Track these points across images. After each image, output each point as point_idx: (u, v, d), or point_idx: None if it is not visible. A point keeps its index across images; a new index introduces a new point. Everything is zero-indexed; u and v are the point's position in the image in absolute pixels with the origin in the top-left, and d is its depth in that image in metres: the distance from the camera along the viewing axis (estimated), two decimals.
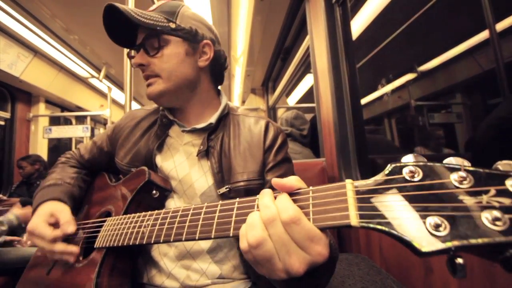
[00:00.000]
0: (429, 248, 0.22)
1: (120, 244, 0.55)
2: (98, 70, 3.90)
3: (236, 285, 0.64)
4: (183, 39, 0.66)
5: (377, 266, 0.79)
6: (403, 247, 0.69)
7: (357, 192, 0.29)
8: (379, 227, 0.25)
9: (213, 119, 0.69)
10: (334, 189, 0.31)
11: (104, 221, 0.65)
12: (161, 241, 0.46)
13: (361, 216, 0.27)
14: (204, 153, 0.67)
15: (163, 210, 0.51)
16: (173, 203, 0.67)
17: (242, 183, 0.64)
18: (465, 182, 0.23)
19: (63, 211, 0.66)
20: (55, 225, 0.65)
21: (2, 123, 3.73)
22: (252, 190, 0.64)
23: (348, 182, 0.30)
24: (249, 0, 2.05)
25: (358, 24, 2.70)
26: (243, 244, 0.32)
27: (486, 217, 0.21)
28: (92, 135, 3.91)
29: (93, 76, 3.79)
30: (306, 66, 2.51)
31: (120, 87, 4.77)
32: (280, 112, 4.01)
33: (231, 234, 0.36)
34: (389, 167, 0.28)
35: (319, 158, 1.48)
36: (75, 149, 0.88)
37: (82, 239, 0.68)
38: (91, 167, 0.85)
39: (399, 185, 0.26)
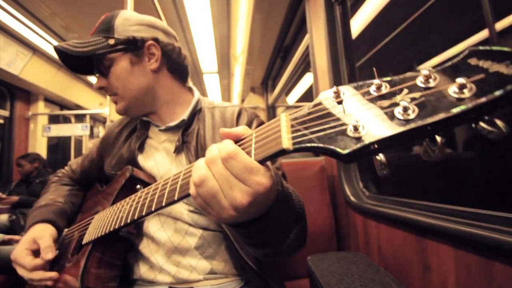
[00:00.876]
0: (348, 150, 0.24)
1: (103, 233, 0.57)
2: None
3: (229, 283, 0.66)
4: (124, 51, 0.65)
5: (375, 264, 0.79)
6: (401, 245, 0.69)
7: (292, 120, 0.31)
8: (309, 145, 0.28)
9: (185, 115, 0.70)
10: (272, 124, 0.33)
11: (92, 219, 0.67)
12: (136, 217, 0.48)
13: (293, 138, 0.29)
14: (181, 148, 0.69)
15: (138, 192, 0.53)
16: None
17: None
18: (381, 88, 0.25)
19: (44, 237, 0.66)
20: (38, 252, 0.65)
21: (1, 121, 3.73)
22: None
23: (283, 114, 0.32)
24: None
25: (358, 23, 2.70)
26: (191, 189, 0.34)
27: (398, 111, 0.23)
28: (91, 133, 3.91)
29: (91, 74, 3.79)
30: (305, 65, 2.51)
31: None
32: (280, 111, 4.00)
33: (191, 192, 0.37)
34: (317, 98, 0.30)
35: (318, 157, 1.48)
36: (66, 167, 0.91)
37: (75, 243, 0.69)
38: (84, 180, 0.88)
39: (325, 105, 0.29)
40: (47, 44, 3.23)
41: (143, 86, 0.67)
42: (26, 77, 3.46)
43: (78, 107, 4.81)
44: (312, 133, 0.28)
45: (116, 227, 0.53)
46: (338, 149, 0.25)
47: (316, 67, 1.55)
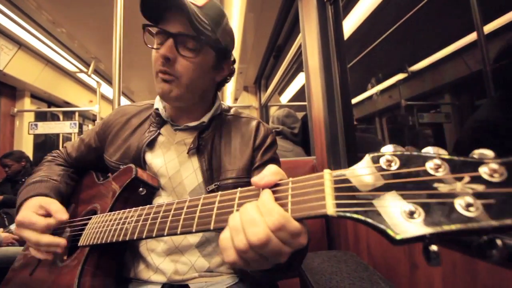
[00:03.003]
0: (403, 235, 0.23)
1: (103, 242, 0.54)
2: (87, 64, 3.80)
3: (223, 280, 0.65)
4: (216, 53, 0.65)
5: (365, 263, 0.80)
6: (389, 244, 0.70)
7: (335, 182, 0.29)
8: (355, 216, 0.26)
9: (205, 118, 0.69)
10: (312, 179, 0.31)
11: (89, 219, 0.64)
12: (144, 236, 0.46)
13: (338, 205, 0.27)
14: (195, 151, 0.67)
15: (147, 206, 0.50)
16: (161, 201, 0.66)
17: (230, 181, 0.65)
18: (440, 169, 0.23)
19: (52, 203, 0.64)
20: (46, 216, 0.63)
21: None
22: (240, 187, 0.65)
23: (327, 172, 0.30)
24: None
25: (350, 23, 2.73)
26: (230, 253, 0.33)
27: (459, 203, 0.21)
28: (80, 131, 3.83)
29: (81, 71, 3.70)
30: (298, 65, 2.52)
31: (110, 82, 4.67)
32: (273, 110, 4.01)
33: (211, 227, 0.37)
34: (367, 157, 0.28)
35: (310, 156, 1.49)
36: (61, 148, 0.86)
37: (67, 238, 0.67)
38: (79, 165, 0.83)
39: (375, 173, 0.26)
40: (34, 38, 3.13)
41: (203, 89, 0.68)
42: (11, 72, 3.35)
43: (67, 104, 4.69)
44: (359, 205, 0.26)
45: (120, 239, 0.50)
46: (390, 232, 0.23)
47: (308, 67, 1.55)
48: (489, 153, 0.22)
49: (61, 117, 4.84)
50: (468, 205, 0.21)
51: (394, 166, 0.26)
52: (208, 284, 0.64)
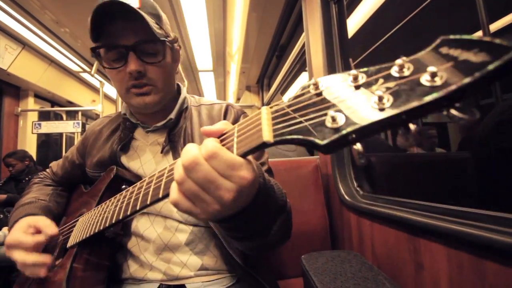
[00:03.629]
0: (327, 140, 0.25)
1: (88, 236, 0.55)
2: (90, 64, 3.82)
3: (220, 280, 0.65)
4: (170, 48, 0.66)
5: (369, 263, 0.79)
6: (394, 244, 0.69)
7: (273, 112, 0.31)
8: (289, 137, 0.28)
9: (172, 114, 0.70)
10: (253, 117, 0.33)
11: (76, 221, 0.65)
12: (121, 217, 0.47)
13: (275, 131, 0.29)
14: (169, 148, 0.68)
15: (123, 191, 0.52)
16: None
17: None
18: (358, 79, 0.26)
19: (40, 219, 0.64)
20: (36, 234, 0.63)
21: None
22: None
23: (264, 107, 0.32)
24: None
25: (354, 22, 2.71)
26: (173, 192, 0.34)
27: (374, 100, 0.23)
28: (83, 130, 3.84)
29: (84, 71, 3.72)
30: (301, 64, 2.51)
31: None
32: None
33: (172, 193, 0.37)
34: (298, 90, 0.31)
35: (313, 156, 1.48)
36: (47, 169, 0.89)
37: (59, 245, 0.68)
38: (66, 182, 0.85)
39: (306, 96, 0.29)
40: (38, 38, 3.15)
41: (174, 85, 0.70)
42: (15, 72, 3.38)
43: (70, 103, 4.71)
44: (292, 125, 0.28)
45: (101, 228, 0.52)
46: (317, 140, 0.26)
47: (312, 66, 1.55)
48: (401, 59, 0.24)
49: (64, 116, 4.87)
50: (380, 99, 0.23)
51: (322, 87, 0.28)
52: (206, 285, 0.63)
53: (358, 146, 0.25)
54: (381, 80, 0.24)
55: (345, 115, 0.25)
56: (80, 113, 4.84)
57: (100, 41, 0.60)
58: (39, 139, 4.41)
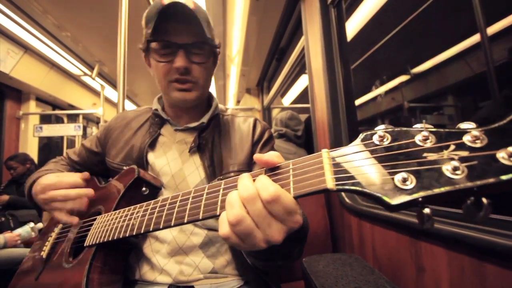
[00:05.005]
0: (397, 201, 0.24)
1: (110, 239, 0.55)
2: (91, 68, 3.84)
3: (228, 282, 0.66)
4: (213, 52, 0.71)
5: (370, 266, 0.79)
6: (395, 247, 0.69)
7: (333, 159, 0.31)
8: (353, 187, 0.27)
9: (204, 119, 0.73)
10: (312, 159, 0.33)
11: (94, 220, 0.65)
12: (151, 229, 0.47)
13: (337, 179, 0.29)
14: (196, 149, 0.70)
15: (152, 201, 0.51)
16: None
17: (232, 174, 0.68)
18: (428, 141, 0.26)
19: (67, 173, 0.67)
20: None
21: None
22: None
23: (325, 151, 0.32)
24: (245, 0, 2.04)
25: (353, 25, 2.73)
26: (224, 228, 0.33)
27: (447, 168, 0.23)
28: (84, 133, 3.85)
29: (85, 74, 3.73)
30: (301, 67, 2.52)
31: (114, 85, 4.71)
32: (275, 112, 4.01)
33: (218, 213, 0.37)
34: (361, 136, 0.30)
35: None
36: (64, 155, 0.90)
37: (72, 240, 0.67)
38: (81, 169, 0.86)
39: (370, 149, 0.29)
40: (39, 42, 3.17)
41: (209, 87, 0.75)
42: (17, 75, 3.39)
43: (71, 107, 4.73)
44: (356, 177, 0.28)
45: (127, 235, 0.51)
46: (386, 199, 0.25)
47: (312, 69, 1.56)
48: (471, 124, 0.24)
49: (65, 119, 4.88)
50: (455, 169, 0.23)
51: (386, 142, 0.28)
52: (213, 287, 0.64)
53: (427, 211, 0.24)
54: (452, 147, 0.24)
55: (416, 178, 0.24)
56: (81, 116, 4.85)
57: (155, 36, 0.65)
58: (41, 142, 4.42)
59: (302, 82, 4.28)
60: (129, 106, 5.95)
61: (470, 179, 0.22)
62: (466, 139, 0.24)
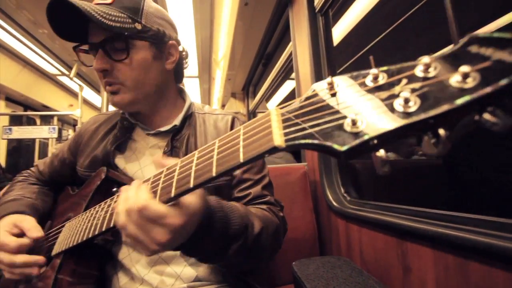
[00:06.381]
0: (347, 146, 0.22)
1: (75, 243, 0.52)
2: (69, 67, 3.67)
3: None
4: (150, 42, 0.61)
5: (359, 268, 0.81)
6: (382, 248, 0.71)
7: (283, 114, 0.29)
8: (303, 141, 0.25)
9: (177, 121, 0.68)
10: (261, 119, 0.31)
11: (62, 227, 0.61)
12: (112, 225, 0.45)
13: (286, 135, 0.27)
14: (170, 154, 0.66)
15: (115, 196, 0.50)
16: None
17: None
18: (378, 79, 0.24)
19: (25, 220, 0.61)
20: (20, 236, 0.59)
21: None
22: (220, 188, 0.65)
23: (273, 109, 0.30)
24: (233, 4, 2.06)
25: (337, 34, 2.82)
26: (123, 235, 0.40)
27: (399, 103, 0.21)
28: (60, 136, 3.65)
29: (63, 74, 3.56)
30: (286, 72, 2.56)
31: (92, 86, 4.53)
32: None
33: (214, 174, 0.34)
34: (310, 90, 0.29)
35: (301, 163, 1.51)
36: (32, 168, 0.84)
37: (43, 255, 0.63)
38: (53, 182, 0.81)
39: (320, 98, 0.27)
40: (12, 39, 2.98)
41: (156, 84, 0.65)
42: None
43: (45, 108, 4.48)
44: (305, 128, 0.26)
45: (90, 236, 0.48)
46: (335, 146, 0.23)
47: (299, 75, 1.58)
48: (425, 57, 0.22)
49: (38, 121, 4.61)
50: (406, 101, 0.21)
51: (335, 89, 0.26)
52: None
53: (381, 153, 0.22)
54: (404, 81, 0.22)
55: (366, 118, 0.22)
56: (56, 118, 4.60)
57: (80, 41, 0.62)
58: (10, 145, 4.13)
59: (286, 88, 4.35)
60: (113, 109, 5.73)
61: (424, 110, 0.20)
62: (419, 69, 0.22)
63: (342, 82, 0.26)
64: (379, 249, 0.85)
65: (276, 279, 1.13)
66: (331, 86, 0.26)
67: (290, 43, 1.76)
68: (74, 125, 4.91)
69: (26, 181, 0.78)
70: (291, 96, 4.50)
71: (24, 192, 0.72)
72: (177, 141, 0.67)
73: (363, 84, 0.25)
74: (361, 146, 0.22)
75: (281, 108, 0.30)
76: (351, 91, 0.25)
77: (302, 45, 1.53)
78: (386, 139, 0.22)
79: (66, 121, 5.66)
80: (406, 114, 0.21)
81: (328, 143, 0.24)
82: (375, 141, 0.22)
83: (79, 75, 3.88)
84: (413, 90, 0.21)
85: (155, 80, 0.64)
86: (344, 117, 0.24)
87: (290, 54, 1.89)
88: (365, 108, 0.23)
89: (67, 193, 0.75)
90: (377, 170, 0.23)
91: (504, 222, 0.52)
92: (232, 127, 0.71)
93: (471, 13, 2.39)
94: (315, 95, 0.28)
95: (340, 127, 0.24)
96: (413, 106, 0.21)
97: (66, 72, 3.58)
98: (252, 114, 3.95)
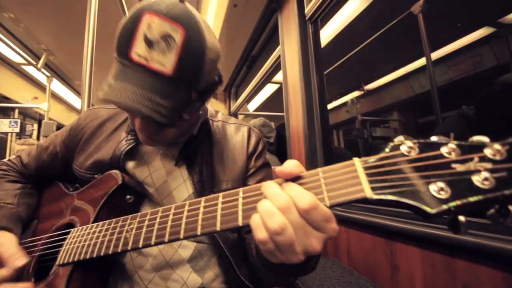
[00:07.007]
0: (436, 209, 0.26)
1: (95, 255, 0.47)
2: (36, 56, 3.37)
3: None
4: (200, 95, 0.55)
5: (348, 268, 0.84)
6: (370, 249, 0.75)
7: (366, 168, 0.31)
8: (390, 197, 0.28)
9: (194, 129, 0.65)
10: (343, 168, 0.33)
11: (67, 234, 0.56)
12: (153, 243, 0.42)
13: (374, 189, 0.30)
14: (183, 161, 0.64)
15: (149, 211, 0.46)
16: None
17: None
18: (453, 153, 0.28)
19: (5, 243, 0.54)
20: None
21: None
22: None
23: (356, 159, 0.32)
24: (221, 5, 2.04)
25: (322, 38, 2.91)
26: (262, 234, 0.32)
27: (476, 179, 0.26)
28: (22, 131, 3.33)
29: (29, 63, 3.26)
30: (269, 75, 2.59)
31: (62, 78, 4.20)
32: (240, 118, 4.03)
33: (240, 223, 0.35)
34: (389, 146, 0.32)
35: None
36: (12, 159, 0.74)
37: (34, 259, 0.57)
38: (40, 178, 0.73)
39: (400, 159, 0.30)
40: None
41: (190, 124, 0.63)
42: None
43: (5, 99, 4.07)
44: (393, 186, 0.29)
45: (119, 250, 0.44)
46: (426, 208, 0.27)
47: (287, 79, 1.62)
48: (485, 138, 0.28)
49: None
50: (484, 179, 0.26)
51: (414, 153, 0.30)
52: None
53: (462, 219, 0.27)
54: (476, 159, 0.27)
55: (450, 187, 0.26)
56: (17, 111, 4.20)
57: None
58: None
59: (267, 91, 4.40)
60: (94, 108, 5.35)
61: (498, 189, 0.25)
62: (488, 152, 0.27)
63: (419, 147, 0.30)
64: (367, 249, 0.89)
65: None
66: (410, 150, 0.30)
67: (279, 47, 1.79)
68: (40, 120, 4.51)
69: (4, 178, 0.70)
70: (271, 99, 4.56)
71: (4, 196, 0.64)
72: (191, 148, 0.64)
73: (440, 155, 0.29)
74: (447, 211, 0.26)
75: (361, 160, 0.32)
76: (431, 159, 0.29)
77: (290, 50, 1.56)
78: (467, 208, 0.26)
79: (28, 115, 5.19)
80: (484, 190, 0.25)
81: (417, 204, 0.27)
82: (459, 209, 0.26)
83: (47, 65, 3.58)
84: (486, 169, 0.26)
85: (191, 122, 0.63)
86: (429, 183, 0.27)
87: (278, 58, 1.92)
88: (448, 178, 0.27)
89: (61, 191, 0.68)
90: (455, 232, 0.27)
91: (487, 223, 0.58)
92: (248, 141, 0.69)
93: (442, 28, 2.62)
94: (396, 155, 0.31)
95: (426, 191, 0.27)
96: (489, 184, 0.25)
97: (33, 62, 3.28)
98: (233, 115, 3.93)
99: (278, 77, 3.11)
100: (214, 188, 0.63)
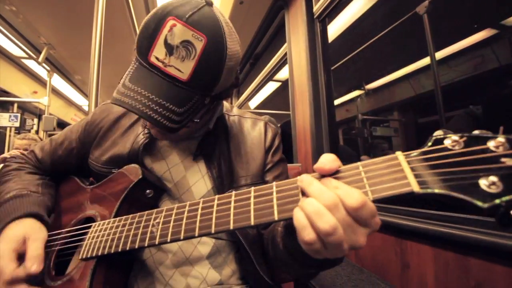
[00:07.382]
0: (488, 204, 0.25)
1: (120, 249, 0.47)
2: (36, 50, 3.34)
3: None
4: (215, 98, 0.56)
5: (358, 265, 0.85)
6: (380, 247, 0.75)
7: (410, 162, 0.30)
8: (438, 191, 0.28)
9: (211, 124, 0.65)
10: (385, 161, 0.32)
11: (88, 228, 0.56)
12: (182, 238, 0.42)
13: (420, 183, 0.29)
14: (201, 156, 0.64)
15: (176, 205, 0.46)
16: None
17: (246, 187, 0.63)
18: (501, 147, 0.27)
19: (36, 240, 0.53)
20: (23, 256, 0.52)
21: None
22: None
23: (399, 153, 0.31)
24: (227, 2, 2.03)
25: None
26: (309, 235, 0.31)
27: None
28: (22, 125, 3.31)
29: (30, 57, 3.22)
30: (272, 73, 2.59)
31: (62, 73, 4.17)
32: None
33: (276, 218, 0.35)
34: (431, 140, 0.31)
35: (295, 164, 1.54)
36: (26, 153, 0.74)
37: (55, 253, 0.57)
38: (55, 173, 0.73)
39: (445, 153, 0.29)
40: None
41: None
42: None
43: (5, 93, 4.03)
44: (440, 181, 0.28)
45: (146, 244, 0.44)
46: (477, 202, 0.26)
47: (294, 77, 1.62)
48: None
49: None
50: None
51: (458, 147, 0.29)
52: None
53: None
54: None
55: (502, 182, 0.26)
56: (16, 105, 4.17)
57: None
58: None
59: (268, 89, 4.40)
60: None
61: None
62: None
63: (465, 141, 0.29)
64: (377, 247, 0.90)
65: None
66: (454, 144, 0.29)
67: (285, 45, 1.79)
68: (39, 115, 4.47)
69: (23, 170, 0.69)
70: (272, 97, 4.56)
71: (26, 185, 0.63)
72: (208, 143, 0.64)
73: (488, 149, 0.27)
74: (499, 206, 0.25)
75: (403, 153, 0.31)
76: (478, 152, 0.28)
77: (298, 48, 1.56)
78: None
79: (27, 109, 5.15)
80: None
81: (467, 198, 0.26)
82: (508, 203, 0.25)
83: (47, 60, 3.55)
84: None
85: (205, 120, 0.63)
86: (478, 177, 0.27)
87: (283, 56, 1.92)
88: (498, 172, 0.26)
89: (77, 186, 0.68)
90: (506, 228, 0.27)
91: None
92: (265, 136, 0.68)
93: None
94: (440, 149, 0.30)
95: (476, 185, 0.26)
96: None
97: (34, 56, 3.25)
98: None
99: (280, 75, 3.11)
100: (233, 184, 0.63)
